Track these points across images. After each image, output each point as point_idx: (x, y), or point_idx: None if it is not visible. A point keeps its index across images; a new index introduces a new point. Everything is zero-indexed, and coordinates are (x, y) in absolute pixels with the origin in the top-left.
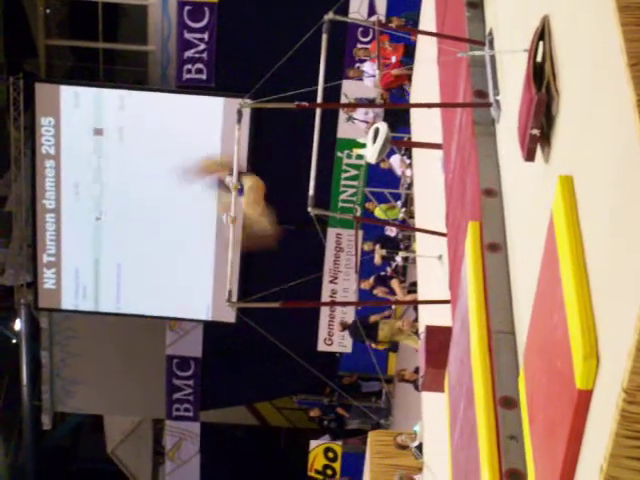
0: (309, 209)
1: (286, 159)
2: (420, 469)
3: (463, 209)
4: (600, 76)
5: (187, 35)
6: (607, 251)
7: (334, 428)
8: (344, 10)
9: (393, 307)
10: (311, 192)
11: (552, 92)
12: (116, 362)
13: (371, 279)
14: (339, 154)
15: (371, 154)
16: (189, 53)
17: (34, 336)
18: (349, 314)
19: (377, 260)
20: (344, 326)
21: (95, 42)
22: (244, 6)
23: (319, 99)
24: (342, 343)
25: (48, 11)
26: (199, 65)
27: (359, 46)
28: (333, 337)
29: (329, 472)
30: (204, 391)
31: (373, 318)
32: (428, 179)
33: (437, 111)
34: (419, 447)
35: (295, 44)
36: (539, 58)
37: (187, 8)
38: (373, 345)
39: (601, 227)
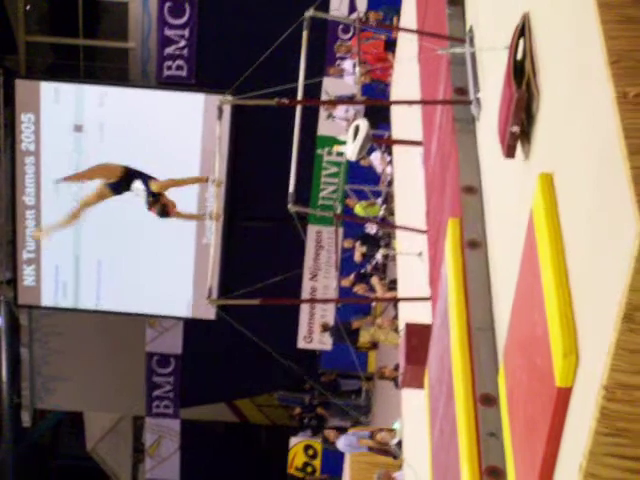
0: (289, 206)
1: (266, 156)
2: (399, 466)
3: (443, 206)
4: (580, 73)
5: (167, 32)
6: (587, 248)
7: (314, 425)
8: (325, 7)
9: (373, 304)
10: (291, 189)
11: (532, 89)
12: (96, 359)
13: (351, 276)
14: (319, 151)
15: (351, 151)
16: (169, 50)
17: (14, 333)
18: (329, 311)
19: (357, 257)
20: (325, 328)
21: (75, 39)
22: (224, 3)
23: (299, 96)
24: (322, 340)
25: (28, 7)
26: (179, 62)
27: (339, 42)
28: (313, 334)
29: (309, 469)
30: (184, 388)
31: (355, 324)
32: (408, 176)
33: (417, 108)
34: (399, 444)
35: (276, 41)
36: (519, 55)
37: (167, 5)
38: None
39: (581, 224)
